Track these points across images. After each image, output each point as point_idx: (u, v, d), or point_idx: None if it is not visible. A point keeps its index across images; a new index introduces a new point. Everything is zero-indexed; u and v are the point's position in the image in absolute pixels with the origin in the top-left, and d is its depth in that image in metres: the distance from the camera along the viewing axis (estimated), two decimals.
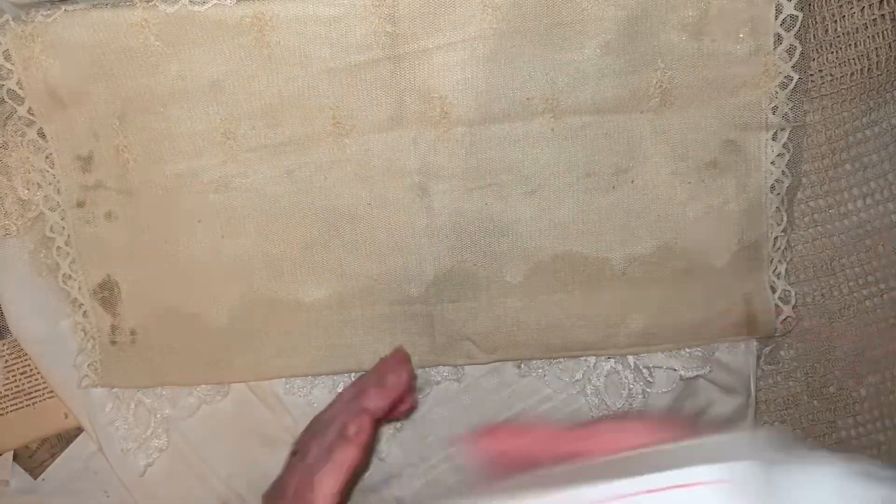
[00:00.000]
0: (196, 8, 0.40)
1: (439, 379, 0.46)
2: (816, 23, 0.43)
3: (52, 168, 0.44)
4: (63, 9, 0.41)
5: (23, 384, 0.48)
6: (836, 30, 0.43)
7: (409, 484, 0.48)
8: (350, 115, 0.42)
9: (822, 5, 0.43)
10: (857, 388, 0.47)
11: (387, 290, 0.45)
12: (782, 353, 0.47)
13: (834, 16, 0.43)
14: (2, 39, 0.41)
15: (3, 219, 0.45)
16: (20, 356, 0.48)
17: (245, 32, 0.41)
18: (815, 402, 0.47)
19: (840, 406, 0.47)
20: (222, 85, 0.42)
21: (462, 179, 0.43)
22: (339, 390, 0.46)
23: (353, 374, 0.47)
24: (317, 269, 0.45)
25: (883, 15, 0.42)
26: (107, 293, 0.45)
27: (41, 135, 0.44)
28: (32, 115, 0.43)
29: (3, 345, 0.48)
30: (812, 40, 0.43)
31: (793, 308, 0.45)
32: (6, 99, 0.43)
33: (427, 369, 0.46)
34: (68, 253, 0.45)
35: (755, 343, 0.46)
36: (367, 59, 0.41)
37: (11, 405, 0.48)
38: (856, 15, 0.43)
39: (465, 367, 0.46)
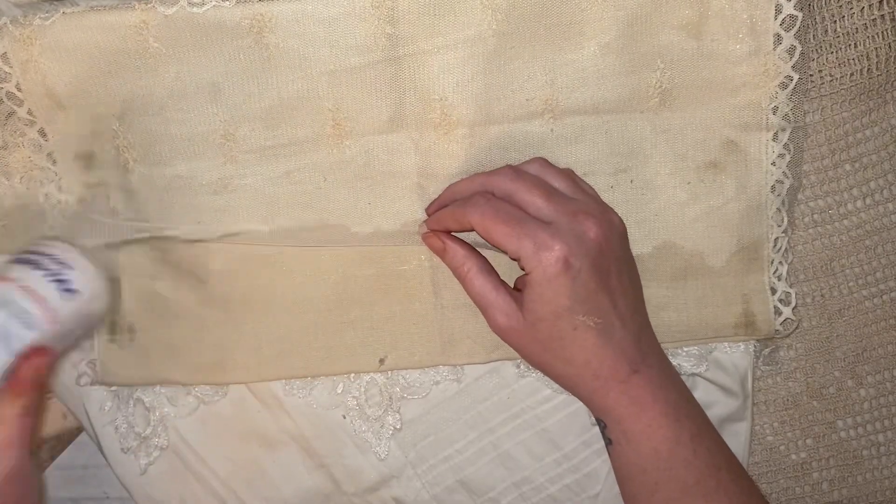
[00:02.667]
0: (195, 10, 0.40)
1: (439, 379, 0.46)
2: (816, 23, 0.43)
3: (53, 166, 0.44)
4: (61, 11, 0.40)
5: None
6: (835, 30, 0.43)
7: (409, 484, 0.48)
8: (350, 117, 0.42)
9: (821, 5, 0.43)
10: (856, 389, 0.47)
11: (386, 291, 0.45)
12: (782, 353, 0.47)
13: (833, 16, 0.43)
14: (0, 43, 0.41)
15: (3, 218, 0.45)
16: None
17: (244, 34, 0.41)
18: (815, 402, 0.47)
19: (840, 406, 0.47)
20: (221, 86, 0.42)
21: (462, 177, 0.43)
22: (339, 391, 0.47)
23: (352, 376, 0.47)
24: (315, 270, 0.45)
25: (883, 15, 0.42)
26: None
27: (42, 134, 0.43)
28: (33, 116, 0.43)
29: None
30: (812, 40, 0.43)
31: (793, 310, 0.45)
32: (5, 101, 0.42)
33: (426, 369, 0.46)
34: None
35: (754, 343, 0.46)
36: (366, 60, 0.41)
37: None
38: (855, 15, 0.43)
39: (465, 367, 0.46)
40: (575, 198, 0.40)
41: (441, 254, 0.42)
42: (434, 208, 0.43)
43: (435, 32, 0.41)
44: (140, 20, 0.40)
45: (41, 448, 0.50)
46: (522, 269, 0.38)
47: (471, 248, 0.42)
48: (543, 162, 0.41)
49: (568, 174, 0.41)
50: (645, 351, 0.39)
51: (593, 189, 0.42)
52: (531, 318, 0.39)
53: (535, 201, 0.39)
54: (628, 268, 0.40)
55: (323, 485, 0.48)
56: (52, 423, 0.49)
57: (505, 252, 0.39)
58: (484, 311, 0.41)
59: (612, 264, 0.39)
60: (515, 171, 0.40)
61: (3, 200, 0.45)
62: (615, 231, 0.39)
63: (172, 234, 0.44)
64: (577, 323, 0.38)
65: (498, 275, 0.41)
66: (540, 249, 0.37)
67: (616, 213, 0.40)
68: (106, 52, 0.41)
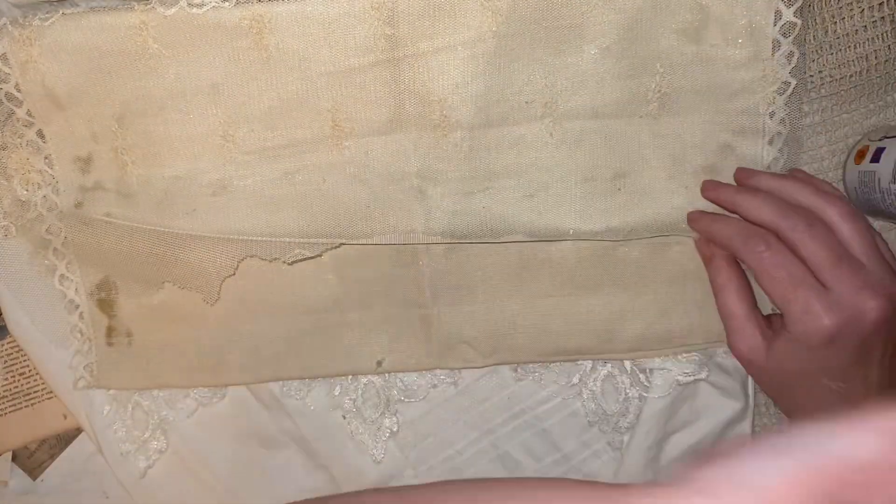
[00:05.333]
0: (194, 10, 0.40)
1: (436, 382, 0.46)
2: (816, 24, 0.43)
3: (51, 169, 0.44)
4: (61, 12, 0.40)
5: (22, 385, 0.48)
6: (835, 31, 0.43)
7: (409, 484, 0.48)
8: (349, 118, 0.42)
9: (821, 6, 0.43)
10: None
11: (384, 294, 0.45)
12: None
13: (834, 17, 0.43)
14: None
15: (2, 220, 0.45)
16: (19, 357, 0.48)
17: (244, 35, 0.40)
18: None
19: None
20: (221, 87, 0.42)
21: (460, 183, 0.43)
22: (336, 393, 0.47)
23: (349, 378, 0.47)
24: (315, 272, 0.45)
25: (883, 17, 0.42)
26: (104, 295, 0.45)
27: (40, 135, 0.43)
28: (31, 116, 0.43)
29: (3, 345, 0.48)
30: (812, 41, 0.43)
31: None
32: (4, 101, 0.42)
33: (424, 373, 0.46)
34: (65, 254, 0.45)
35: None
36: (366, 62, 0.41)
37: (10, 406, 0.48)
38: (856, 16, 0.43)
39: (462, 370, 0.46)
40: (867, 265, 0.37)
41: (706, 261, 0.42)
42: (711, 194, 0.41)
43: (434, 34, 0.40)
44: (139, 21, 0.40)
45: (41, 448, 0.50)
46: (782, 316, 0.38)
47: (737, 265, 0.41)
48: (848, 210, 0.38)
49: (869, 232, 0.38)
50: None
51: (892, 253, 0.39)
52: (774, 361, 0.38)
53: (823, 262, 0.36)
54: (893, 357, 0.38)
55: (323, 485, 0.48)
56: (52, 423, 0.49)
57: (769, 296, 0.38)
58: (728, 332, 0.40)
59: (881, 342, 0.37)
60: (809, 219, 0.37)
61: (3, 201, 0.45)
62: (882, 320, 0.36)
63: (170, 238, 0.44)
64: (820, 384, 0.37)
65: (754, 299, 0.41)
66: (807, 316, 0.36)
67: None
68: (105, 53, 0.41)
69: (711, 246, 0.42)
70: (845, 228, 0.37)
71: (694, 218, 0.42)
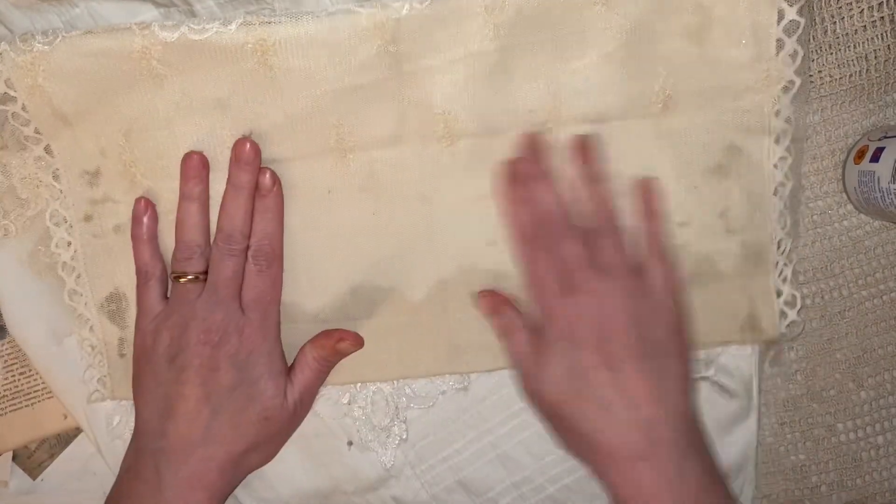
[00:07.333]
0: (196, 37, 0.40)
1: (445, 389, 0.46)
2: (816, 24, 0.43)
3: (58, 183, 0.44)
4: (60, 36, 0.40)
5: (22, 384, 0.48)
6: (835, 31, 0.43)
7: (408, 484, 0.48)
8: (353, 133, 0.42)
9: (821, 6, 0.43)
10: (857, 392, 0.47)
11: (392, 301, 0.45)
12: (783, 355, 0.47)
13: (833, 17, 0.43)
14: (2, 68, 0.41)
15: (2, 218, 0.45)
16: (19, 356, 0.48)
17: (248, 57, 0.40)
18: (815, 405, 0.47)
19: (840, 409, 0.47)
20: (227, 104, 0.42)
21: (465, 188, 0.43)
22: (345, 402, 0.47)
23: (358, 385, 0.47)
24: (321, 282, 0.45)
25: (882, 17, 0.42)
26: (115, 306, 0.45)
27: (48, 151, 0.43)
28: (39, 133, 0.43)
29: (3, 345, 0.48)
30: (812, 41, 0.43)
31: (798, 312, 0.44)
32: (11, 121, 0.42)
33: (433, 379, 0.46)
34: (74, 268, 0.45)
35: (759, 346, 0.46)
36: (370, 79, 0.41)
37: (10, 405, 0.48)
38: (855, 17, 0.43)
39: (471, 375, 0.46)
40: (609, 271, 0.40)
41: (491, 312, 0.43)
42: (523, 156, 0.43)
43: (438, 49, 0.40)
44: (142, 46, 0.40)
45: (41, 448, 0.50)
46: None
47: (519, 314, 0.43)
48: (609, 212, 0.42)
49: (618, 241, 0.41)
50: (658, 440, 0.37)
51: (666, 261, 0.42)
52: (540, 380, 0.40)
53: (571, 265, 0.40)
54: (652, 354, 0.39)
55: (322, 484, 0.48)
56: (52, 423, 0.49)
57: None
58: (515, 373, 0.42)
59: (620, 349, 0.38)
60: (564, 229, 0.41)
61: (2, 200, 0.45)
62: (626, 318, 0.39)
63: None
64: (578, 387, 0.38)
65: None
66: (549, 315, 0.40)
67: (652, 300, 0.40)
68: (110, 75, 0.41)
69: (496, 299, 0.44)
70: (601, 241, 0.41)
71: (507, 177, 0.43)
